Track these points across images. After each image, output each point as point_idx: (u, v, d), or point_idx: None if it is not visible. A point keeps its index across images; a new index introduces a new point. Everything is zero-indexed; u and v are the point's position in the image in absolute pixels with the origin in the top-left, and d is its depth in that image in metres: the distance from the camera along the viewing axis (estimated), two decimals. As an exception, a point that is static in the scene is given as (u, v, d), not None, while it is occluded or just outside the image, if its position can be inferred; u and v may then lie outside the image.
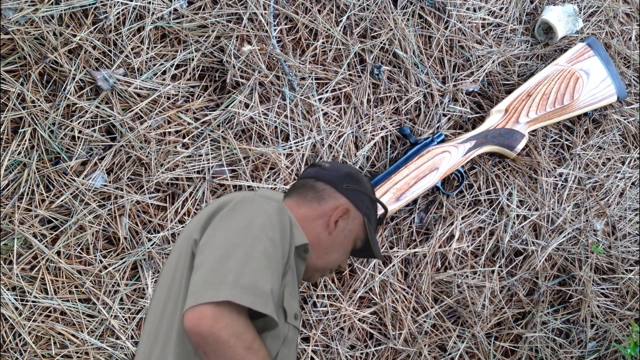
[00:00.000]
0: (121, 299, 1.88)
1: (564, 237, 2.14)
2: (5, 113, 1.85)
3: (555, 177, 2.17)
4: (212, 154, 1.93)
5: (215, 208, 1.20)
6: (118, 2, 1.90)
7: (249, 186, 1.94)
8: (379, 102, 2.09)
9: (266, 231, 1.13)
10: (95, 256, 1.88)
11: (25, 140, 1.86)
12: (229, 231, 1.12)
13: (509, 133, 2.05)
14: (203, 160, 1.93)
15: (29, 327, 1.82)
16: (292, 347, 1.21)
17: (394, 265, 2.03)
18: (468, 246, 2.10)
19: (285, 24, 2.03)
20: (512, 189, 2.13)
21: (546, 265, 2.13)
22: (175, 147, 1.92)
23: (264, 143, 1.97)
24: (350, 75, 2.06)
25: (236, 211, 1.17)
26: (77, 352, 1.84)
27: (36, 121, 1.86)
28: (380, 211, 1.63)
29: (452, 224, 2.08)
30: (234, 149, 1.93)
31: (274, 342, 1.15)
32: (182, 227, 1.90)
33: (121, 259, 1.89)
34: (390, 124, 2.08)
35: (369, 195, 1.41)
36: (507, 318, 2.10)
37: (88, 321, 1.85)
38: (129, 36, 1.91)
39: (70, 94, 1.87)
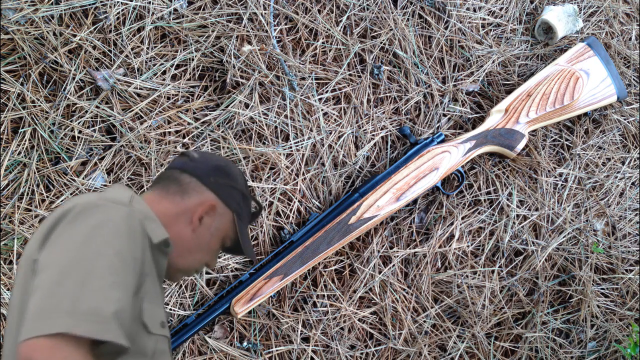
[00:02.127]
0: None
1: (564, 237, 2.14)
2: (5, 113, 1.85)
3: (555, 177, 2.17)
4: (212, 154, 1.93)
5: (54, 221, 1.04)
6: (118, 2, 1.89)
7: (248, 186, 1.94)
8: (379, 102, 2.09)
9: (111, 243, 1.00)
10: (95, 256, 1.88)
11: (25, 140, 1.86)
12: (67, 248, 0.99)
13: (509, 133, 2.05)
14: (203, 160, 1.92)
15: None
16: (164, 358, 1.11)
17: (394, 265, 2.03)
18: (468, 246, 2.10)
19: (285, 24, 2.03)
20: (512, 189, 2.13)
21: (546, 265, 2.13)
22: (175, 147, 1.92)
23: (264, 143, 1.97)
24: (350, 75, 2.06)
25: (76, 223, 1.02)
26: None
27: (36, 121, 1.86)
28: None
29: (452, 224, 2.08)
30: (234, 149, 1.93)
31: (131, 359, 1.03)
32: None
33: (121, 259, 1.89)
34: (390, 124, 2.08)
35: (240, 190, 1.28)
36: (507, 318, 2.10)
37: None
38: (129, 36, 1.91)
39: (70, 94, 1.87)
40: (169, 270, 1.21)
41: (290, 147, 1.98)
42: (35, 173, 1.86)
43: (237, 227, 1.27)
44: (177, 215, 1.21)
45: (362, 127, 2.05)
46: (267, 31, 1.97)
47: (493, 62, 2.15)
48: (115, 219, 1.04)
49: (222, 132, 1.94)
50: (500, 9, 2.21)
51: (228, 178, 1.27)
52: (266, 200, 1.95)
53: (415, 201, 2.07)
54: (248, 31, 1.96)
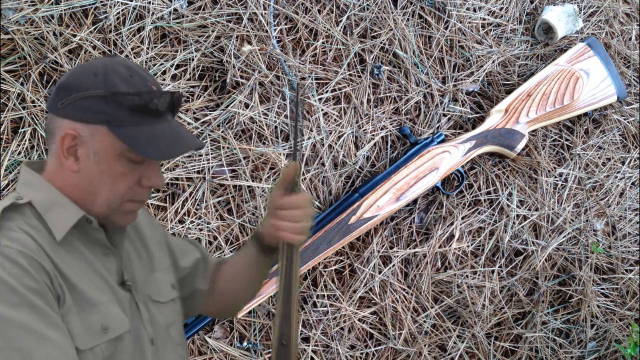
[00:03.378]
0: (121, 299, 1.88)
1: (564, 237, 2.14)
2: (5, 113, 1.85)
3: (555, 177, 2.17)
4: (212, 154, 1.93)
5: None
6: (118, 2, 1.89)
7: (248, 186, 1.94)
8: (379, 102, 2.09)
9: (11, 301, 0.87)
10: (95, 256, 1.88)
11: (25, 140, 1.86)
12: None
13: (509, 133, 2.05)
14: (203, 160, 1.93)
15: None
16: (130, 352, 1.02)
17: (394, 265, 2.03)
18: (468, 246, 2.10)
19: (285, 24, 2.03)
20: (512, 189, 2.13)
21: (546, 265, 2.13)
22: (175, 147, 1.92)
23: (264, 143, 1.97)
24: (350, 75, 2.06)
25: None
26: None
27: (36, 121, 1.86)
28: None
29: (452, 224, 2.08)
30: (234, 149, 1.93)
31: None
32: (182, 227, 1.90)
33: (121, 259, 1.89)
34: (390, 124, 2.08)
35: (94, 95, 0.97)
36: (507, 318, 2.10)
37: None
38: (129, 36, 1.91)
39: (70, 94, 1.87)
40: (106, 224, 1.06)
41: (290, 147, 1.98)
42: (35, 173, 1.86)
43: (116, 136, 0.98)
44: (58, 167, 1.03)
45: (362, 127, 2.05)
46: (267, 31, 1.97)
47: (493, 62, 2.15)
48: None
49: (222, 132, 1.94)
50: (500, 9, 2.21)
51: (73, 91, 0.99)
52: (266, 200, 1.95)
53: (415, 201, 2.07)
54: (248, 31, 1.96)
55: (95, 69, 0.99)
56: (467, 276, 2.08)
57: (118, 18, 1.91)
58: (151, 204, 1.92)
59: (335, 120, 2.03)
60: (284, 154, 1.97)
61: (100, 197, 1.02)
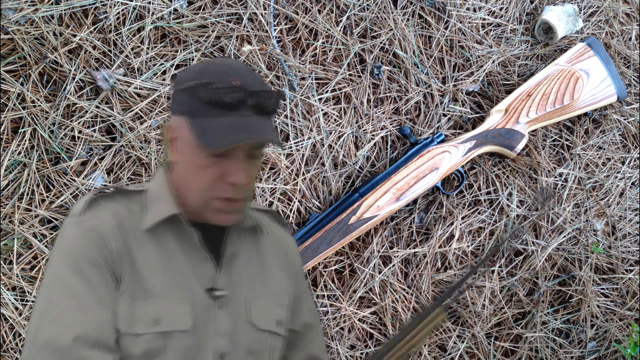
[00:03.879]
0: (121, 299, 1.88)
1: (564, 237, 2.14)
2: (5, 113, 1.85)
3: (555, 177, 2.17)
4: (212, 154, 1.93)
5: None
6: (118, 2, 1.89)
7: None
8: (379, 102, 2.09)
9: (66, 264, 0.97)
10: (95, 256, 1.88)
11: (25, 140, 1.86)
12: (43, 281, 1.00)
13: (509, 133, 2.05)
14: (203, 160, 1.92)
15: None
16: (168, 355, 1.01)
17: (394, 265, 2.03)
18: (468, 246, 2.10)
19: (285, 24, 2.03)
20: (512, 189, 2.13)
21: (546, 265, 2.13)
22: (175, 147, 1.92)
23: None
24: (350, 75, 2.06)
25: (52, 252, 1.02)
26: None
27: (36, 121, 1.86)
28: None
29: (452, 224, 2.08)
30: (234, 149, 1.93)
31: None
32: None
33: (121, 259, 1.89)
34: (390, 124, 2.08)
35: (184, 88, 1.02)
36: (507, 318, 2.11)
37: (88, 321, 1.85)
38: (129, 36, 1.91)
39: (70, 94, 1.87)
40: (203, 220, 1.06)
41: (290, 147, 1.98)
42: (35, 173, 1.86)
43: (189, 126, 1.00)
44: (172, 164, 1.09)
45: (362, 127, 2.05)
46: (267, 31, 1.97)
47: (493, 62, 2.15)
48: (70, 237, 1.00)
49: (222, 132, 1.94)
50: (500, 9, 2.21)
51: (176, 85, 1.05)
52: (266, 200, 1.95)
53: (415, 201, 2.07)
54: (248, 31, 1.96)
55: (196, 66, 1.05)
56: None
57: (118, 18, 1.91)
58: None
59: (335, 120, 2.03)
60: (283, 154, 1.97)
61: (191, 190, 1.04)
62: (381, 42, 2.07)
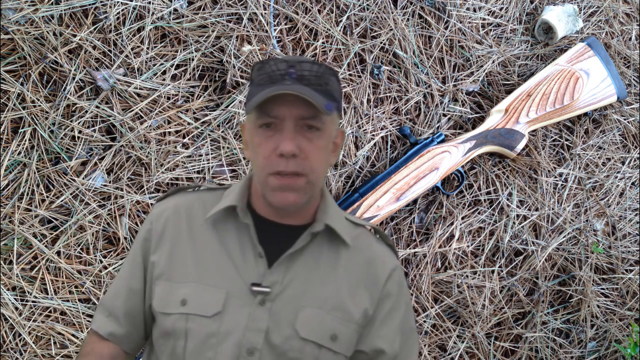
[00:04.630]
0: (121, 299, 1.88)
1: (564, 237, 2.14)
2: (5, 113, 1.85)
3: (555, 177, 2.17)
4: (212, 154, 1.93)
5: None
6: (118, 2, 1.89)
7: (249, 186, 1.94)
8: (379, 102, 2.09)
9: (134, 245, 1.18)
10: (95, 256, 1.88)
11: (25, 140, 1.86)
12: None
13: (509, 133, 2.05)
14: (203, 160, 1.93)
15: (29, 327, 1.82)
16: (190, 337, 1.06)
17: (394, 265, 2.03)
18: (468, 246, 2.10)
19: (285, 24, 2.03)
20: (512, 189, 2.13)
21: (546, 265, 2.13)
22: (175, 147, 1.93)
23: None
24: (350, 75, 2.06)
25: None
26: (77, 352, 1.84)
27: (36, 121, 1.86)
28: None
29: (452, 224, 2.08)
30: (234, 149, 1.93)
31: (165, 341, 1.09)
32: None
33: (121, 259, 1.89)
34: (390, 124, 2.08)
35: (248, 84, 1.12)
36: (507, 318, 2.11)
37: (88, 321, 1.85)
38: (129, 36, 1.91)
39: (70, 94, 1.87)
40: (269, 205, 1.09)
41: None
42: (35, 173, 1.86)
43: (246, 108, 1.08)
44: None
45: (362, 127, 2.05)
46: (267, 31, 1.97)
47: (493, 62, 2.15)
48: (146, 220, 1.19)
49: (222, 132, 1.94)
50: (500, 9, 2.21)
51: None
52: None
53: (415, 201, 2.07)
54: (248, 31, 1.96)
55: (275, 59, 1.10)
56: (467, 276, 2.08)
57: (118, 18, 1.91)
58: (151, 204, 1.92)
59: (335, 120, 2.03)
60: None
61: (256, 175, 1.09)
62: (381, 42, 2.07)
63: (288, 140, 1.02)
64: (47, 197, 1.87)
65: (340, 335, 1.08)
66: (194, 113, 1.96)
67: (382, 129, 2.07)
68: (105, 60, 1.91)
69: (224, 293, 1.06)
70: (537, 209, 2.14)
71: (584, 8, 2.27)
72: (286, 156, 1.02)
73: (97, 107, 1.89)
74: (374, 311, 1.13)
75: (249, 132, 1.09)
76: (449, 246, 2.07)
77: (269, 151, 1.04)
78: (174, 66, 1.95)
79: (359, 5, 2.06)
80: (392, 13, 2.09)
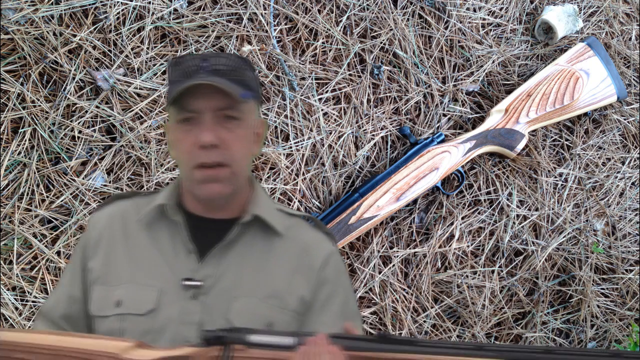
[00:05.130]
0: (121, 299, 1.88)
1: (564, 237, 2.14)
2: (5, 113, 1.85)
3: (555, 177, 2.17)
4: (212, 154, 1.93)
5: None
6: (118, 2, 1.89)
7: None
8: (379, 102, 2.09)
9: (73, 254, 1.20)
10: (95, 256, 1.88)
11: (25, 140, 1.86)
12: None
13: (509, 133, 2.05)
14: (203, 160, 1.92)
15: (29, 327, 1.82)
16: (137, 336, 1.05)
17: (394, 265, 2.03)
18: (468, 246, 2.10)
19: (285, 24, 2.03)
20: (512, 189, 2.13)
21: (546, 265, 2.13)
22: (175, 147, 1.92)
23: (264, 143, 1.97)
24: (350, 75, 2.06)
25: None
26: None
27: (36, 121, 1.86)
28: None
29: (452, 224, 2.08)
30: (234, 149, 1.93)
31: None
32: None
33: (121, 259, 1.89)
34: (390, 124, 2.08)
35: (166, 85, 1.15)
36: (507, 318, 2.10)
37: (88, 321, 1.85)
38: (129, 36, 1.91)
39: (70, 94, 1.87)
40: (198, 200, 1.11)
41: (290, 147, 1.98)
42: (35, 173, 1.86)
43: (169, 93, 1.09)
44: None
45: (362, 127, 2.05)
46: (267, 31, 1.97)
47: (493, 62, 2.15)
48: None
49: (222, 132, 1.94)
50: (500, 9, 2.21)
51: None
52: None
53: (415, 201, 2.07)
54: (248, 31, 1.96)
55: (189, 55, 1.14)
56: (467, 276, 2.08)
57: (118, 18, 1.91)
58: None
59: (335, 120, 2.03)
60: (283, 154, 1.97)
61: (181, 172, 1.11)
62: (381, 42, 2.07)
63: (207, 131, 1.03)
64: (47, 197, 1.87)
65: (276, 322, 1.09)
66: (194, 113, 1.96)
67: (382, 129, 2.07)
68: (105, 60, 1.91)
69: (157, 290, 1.07)
70: (537, 209, 2.14)
71: (584, 8, 2.27)
72: (207, 147, 1.04)
73: (97, 107, 1.89)
74: (311, 298, 1.13)
75: (170, 131, 1.11)
76: (449, 246, 2.07)
77: (190, 145, 1.05)
78: (174, 66, 1.95)
79: (359, 5, 2.06)
80: (392, 13, 2.09)
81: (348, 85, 2.05)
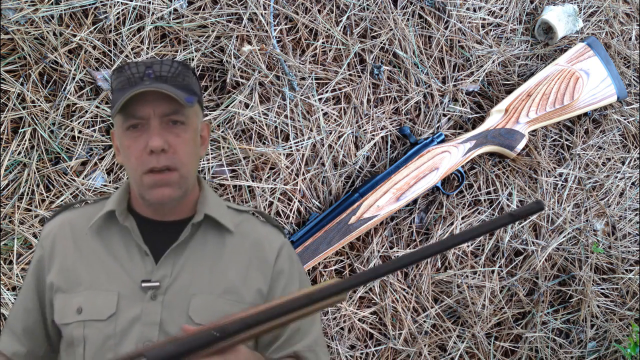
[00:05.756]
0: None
1: (564, 237, 2.14)
2: (5, 113, 1.85)
3: (555, 177, 2.17)
4: (212, 154, 1.93)
5: None
6: (118, 2, 1.89)
7: (248, 186, 1.94)
8: (379, 102, 2.09)
9: (29, 268, 1.21)
10: (95, 256, 1.88)
11: (25, 140, 1.86)
12: None
13: (509, 133, 2.05)
14: (203, 160, 1.93)
15: None
16: (87, 343, 1.09)
17: (394, 265, 2.03)
18: (468, 246, 2.10)
19: (285, 24, 2.03)
20: (512, 189, 2.13)
21: (546, 265, 2.13)
22: (175, 147, 1.92)
23: (264, 143, 1.97)
24: (350, 75, 2.06)
25: None
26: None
27: (36, 121, 1.86)
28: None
29: (452, 224, 2.08)
30: (234, 149, 1.93)
31: (68, 350, 1.12)
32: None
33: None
34: (390, 124, 2.08)
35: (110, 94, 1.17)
36: (507, 318, 2.10)
37: (88, 321, 1.85)
38: (129, 36, 1.91)
39: (70, 94, 1.87)
40: (147, 204, 1.14)
41: (290, 147, 1.98)
42: (35, 173, 1.86)
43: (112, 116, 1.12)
44: None
45: (362, 127, 2.05)
46: (267, 31, 1.97)
47: (493, 62, 2.15)
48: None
49: (222, 132, 1.94)
50: (500, 9, 2.21)
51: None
52: (266, 200, 1.95)
53: (415, 201, 2.07)
54: (248, 31, 1.96)
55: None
56: (467, 276, 2.08)
57: (118, 18, 1.91)
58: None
59: (335, 120, 2.03)
60: (283, 154, 1.97)
61: (131, 178, 1.12)
62: (381, 42, 2.07)
63: (155, 136, 1.06)
64: (47, 197, 1.87)
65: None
66: (194, 113, 1.96)
67: (382, 129, 2.07)
68: (105, 60, 1.91)
69: (116, 294, 1.10)
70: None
71: (584, 8, 2.27)
72: (156, 152, 1.06)
73: (97, 107, 1.89)
74: (268, 290, 1.17)
75: (117, 138, 1.13)
76: (449, 246, 2.07)
77: (139, 151, 1.07)
78: (174, 66, 1.95)
79: (359, 5, 2.06)
80: (392, 13, 2.09)
81: (348, 85, 2.05)
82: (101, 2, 1.89)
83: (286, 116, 1.98)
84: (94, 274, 1.13)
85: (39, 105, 1.86)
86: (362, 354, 2.01)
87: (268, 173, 1.96)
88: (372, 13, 2.08)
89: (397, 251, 2.04)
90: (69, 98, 1.87)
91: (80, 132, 1.88)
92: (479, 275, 2.09)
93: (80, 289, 1.12)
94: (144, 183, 1.09)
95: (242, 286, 1.15)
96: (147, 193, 1.10)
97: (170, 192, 1.09)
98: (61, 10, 1.86)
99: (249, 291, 1.15)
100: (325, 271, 1.99)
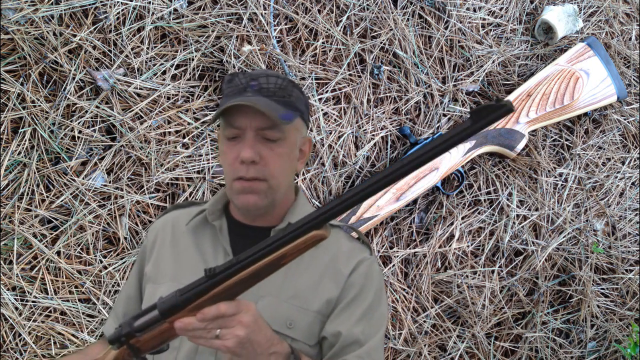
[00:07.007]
0: (121, 299, 1.88)
1: (564, 237, 2.14)
2: (5, 113, 1.85)
3: (555, 177, 2.17)
4: (212, 154, 1.93)
5: None
6: (118, 2, 1.89)
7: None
8: (379, 102, 2.09)
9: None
10: (95, 256, 1.88)
11: (25, 140, 1.86)
12: None
13: (509, 133, 2.05)
14: (203, 160, 1.93)
15: (29, 327, 1.82)
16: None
17: (394, 265, 2.03)
18: (468, 246, 2.10)
19: (285, 24, 2.03)
20: (512, 189, 2.13)
21: (546, 265, 2.13)
22: (175, 147, 1.92)
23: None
24: (350, 75, 2.06)
25: None
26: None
27: (36, 121, 1.86)
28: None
29: (452, 224, 2.08)
30: (234, 149, 1.93)
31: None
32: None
33: (121, 259, 1.89)
34: (390, 124, 2.08)
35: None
36: (507, 318, 2.10)
37: (88, 321, 1.85)
38: (129, 36, 1.91)
39: (70, 94, 1.87)
40: (238, 208, 1.19)
41: (290, 147, 1.98)
42: (35, 173, 1.86)
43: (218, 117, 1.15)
44: None
45: (362, 127, 2.05)
46: (267, 31, 1.97)
47: (493, 62, 2.15)
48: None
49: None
50: (500, 9, 2.21)
51: None
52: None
53: (415, 201, 2.07)
54: (248, 31, 1.96)
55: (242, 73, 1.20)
56: (467, 276, 2.08)
57: (118, 18, 1.91)
58: (151, 204, 1.92)
59: (335, 120, 2.03)
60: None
61: (225, 180, 1.20)
62: (381, 42, 2.07)
63: (247, 148, 1.11)
64: (47, 197, 1.87)
65: (296, 322, 1.14)
66: (194, 113, 1.96)
67: (382, 129, 2.07)
68: (105, 60, 1.91)
69: None
70: (537, 209, 2.14)
71: (584, 8, 2.27)
72: (246, 163, 1.12)
73: (97, 107, 1.89)
74: (337, 298, 1.18)
75: (219, 141, 1.20)
76: (449, 246, 2.07)
77: (233, 159, 1.14)
78: (174, 66, 1.95)
79: (359, 5, 2.06)
80: (392, 13, 2.09)
81: (348, 85, 2.05)
82: (101, 2, 1.89)
83: (286, 116, 1.98)
84: (180, 268, 1.20)
85: (39, 105, 1.86)
86: (362, 354, 2.01)
87: (268, 173, 1.96)
88: (372, 13, 2.08)
89: (397, 251, 2.04)
90: (69, 98, 1.87)
91: (80, 132, 1.88)
92: (479, 275, 2.09)
93: (166, 279, 1.20)
94: (234, 188, 1.15)
95: (311, 294, 1.16)
96: (235, 198, 1.16)
97: (255, 200, 1.14)
98: (61, 10, 1.86)
99: (317, 300, 1.16)
100: (325, 271, 1.99)
